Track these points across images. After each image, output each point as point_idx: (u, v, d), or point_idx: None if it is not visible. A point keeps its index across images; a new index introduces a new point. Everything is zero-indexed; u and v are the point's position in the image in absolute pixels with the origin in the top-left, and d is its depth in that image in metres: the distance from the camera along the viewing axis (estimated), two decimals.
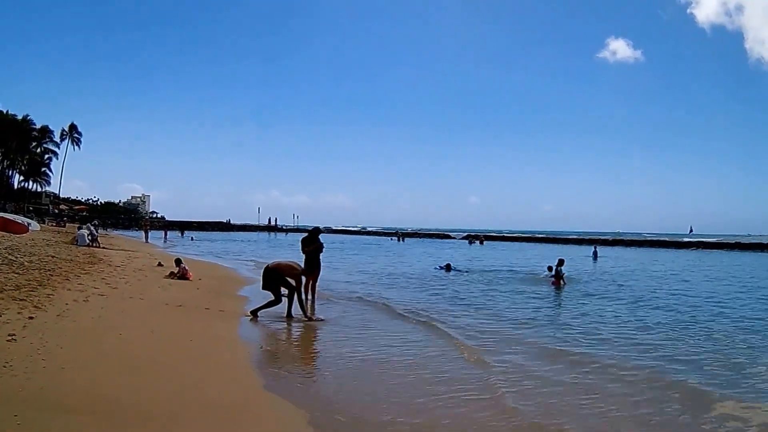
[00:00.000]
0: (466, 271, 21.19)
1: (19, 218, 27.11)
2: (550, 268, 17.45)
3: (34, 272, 10.71)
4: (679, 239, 63.98)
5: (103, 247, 21.58)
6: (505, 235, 77.12)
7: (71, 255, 15.46)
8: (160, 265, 15.61)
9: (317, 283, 11.68)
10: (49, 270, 11.29)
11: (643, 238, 66.07)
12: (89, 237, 21.32)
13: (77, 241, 20.94)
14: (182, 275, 13.15)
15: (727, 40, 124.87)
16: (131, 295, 9.73)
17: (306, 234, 11.79)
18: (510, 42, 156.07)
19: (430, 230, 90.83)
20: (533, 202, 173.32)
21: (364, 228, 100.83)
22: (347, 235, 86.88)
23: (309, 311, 9.88)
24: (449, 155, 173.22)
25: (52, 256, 14.02)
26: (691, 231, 72.72)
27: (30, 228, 25.10)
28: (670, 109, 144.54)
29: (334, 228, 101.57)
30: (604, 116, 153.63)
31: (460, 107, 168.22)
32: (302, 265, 11.06)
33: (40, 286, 9.25)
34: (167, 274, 13.40)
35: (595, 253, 33.76)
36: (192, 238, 51.10)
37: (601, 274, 21.53)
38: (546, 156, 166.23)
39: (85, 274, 11.71)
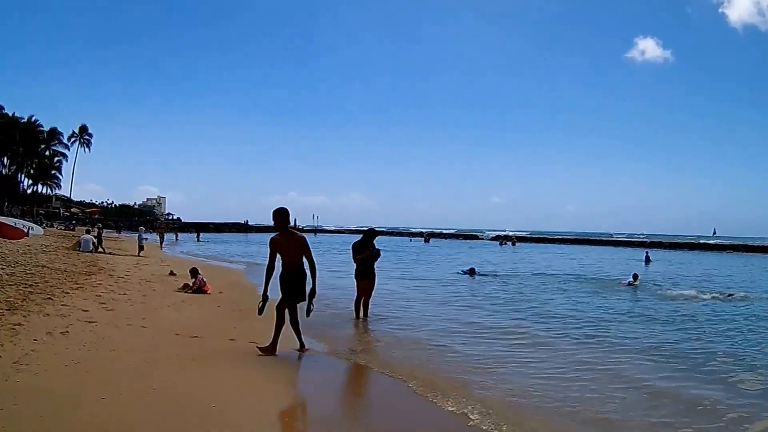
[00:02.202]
0: (495, 275, 18.96)
1: (20, 222, 24.99)
2: (635, 276, 16.61)
3: (9, 289, 8.30)
4: (719, 242, 60.68)
5: (109, 253, 19.23)
6: (538, 236, 73.76)
7: (67, 264, 13.06)
8: (172, 274, 13.17)
9: (370, 299, 9.11)
10: (30, 285, 8.88)
11: (685, 241, 62.76)
12: (93, 243, 18.98)
13: (80, 245, 18.63)
14: (198, 288, 10.68)
15: (761, 40, 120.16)
16: (131, 320, 7.22)
17: (359, 238, 9.18)
18: (535, 41, 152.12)
19: (453, 231, 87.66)
20: (555, 202, 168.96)
21: (383, 228, 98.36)
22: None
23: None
24: (472, 155, 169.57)
25: (42, 266, 11.64)
26: (714, 233, 70.53)
27: (31, 232, 22.94)
28: (697, 111, 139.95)
29: (354, 228, 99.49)
30: (628, 117, 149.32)
31: (483, 107, 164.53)
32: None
33: (9, 310, 6.83)
34: (180, 286, 10.92)
35: (647, 257, 30.99)
36: (197, 239, 47.10)
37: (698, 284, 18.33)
38: (569, 157, 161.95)
39: (77, 289, 9.25)
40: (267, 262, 6.14)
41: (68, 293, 8.63)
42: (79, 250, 18.21)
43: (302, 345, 6.39)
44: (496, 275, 19.03)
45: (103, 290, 9.40)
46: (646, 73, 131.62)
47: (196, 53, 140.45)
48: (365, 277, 8.87)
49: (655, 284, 17.33)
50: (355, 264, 8.90)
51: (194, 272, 11.09)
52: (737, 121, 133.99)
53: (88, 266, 13.13)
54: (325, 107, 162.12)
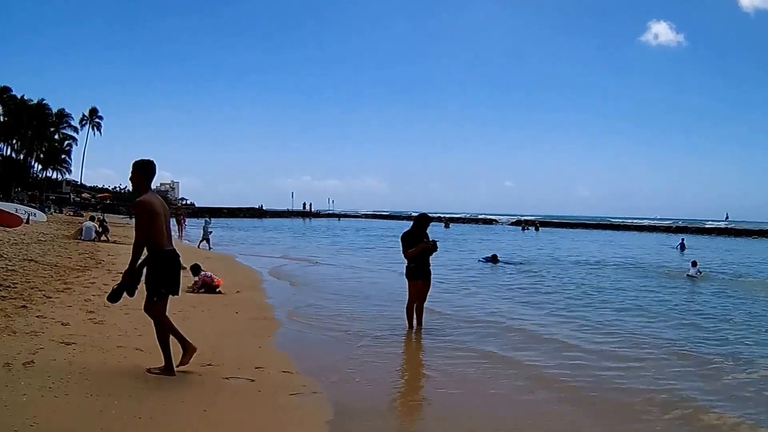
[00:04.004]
0: (520, 263, 17.62)
1: (22, 208, 23.53)
2: (694, 263, 15.22)
3: None
4: (746, 228, 58.40)
5: (114, 242, 17.62)
6: (560, 221, 71.53)
7: (61, 256, 11.42)
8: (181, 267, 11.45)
9: (425, 303, 7.31)
10: (6, 288, 7.20)
11: (712, 226, 60.35)
12: (96, 230, 17.34)
13: (81, 234, 17.04)
14: (207, 285, 8.95)
15: None
16: (123, 339, 5.49)
17: (410, 227, 7.27)
18: (548, 24, 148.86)
19: (465, 215, 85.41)
20: (568, 186, 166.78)
21: (397, 212, 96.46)
22: (383, 220, 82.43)
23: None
24: (485, 140, 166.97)
25: (30, 260, 9.99)
26: (726, 218, 69.80)
27: (32, 219, 21.46)
28: (710, 95, 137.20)
29: (368, 212, 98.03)
30: (641, 101, 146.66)
31: (495, 91, 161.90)
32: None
33: None
34: (191, 284, 9.18)
35: (682, 244, 28.86)
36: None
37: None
38: (582, 140, 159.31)
39: (63, 291, 7.55)
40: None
41: (50, 298, 6.93)
42: (80, 239, 16.64)
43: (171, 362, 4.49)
44: (532, 263, 17.34)
45: (95, 292, 7.69)
46: (660, 56, 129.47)
47: (209, 36, 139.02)
48: (420, 277, 7.04)
49: (734, 276, 15.69)
50: (406, 260, 7.07)
51: (196, 269, 9.33)
52: (750, 105, 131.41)
53: (85, 259, 11.48)
54: (337, 91, 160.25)
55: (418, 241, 6.99)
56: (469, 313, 8.56)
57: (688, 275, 14.72)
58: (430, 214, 7.33)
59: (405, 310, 7.20)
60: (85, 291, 7.66)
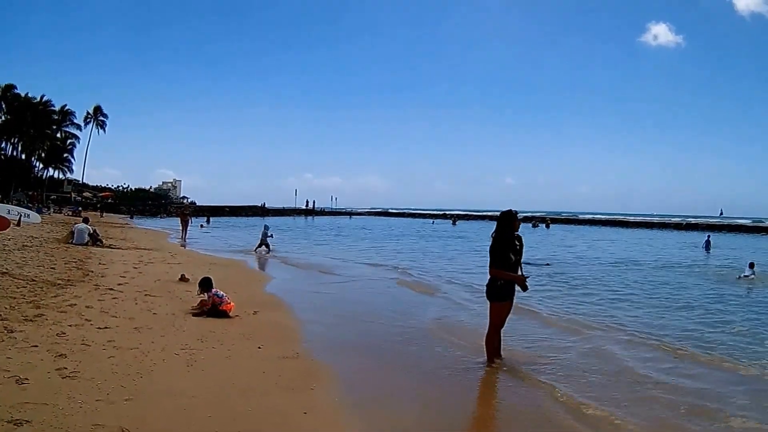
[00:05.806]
0: (546, 264, 16.28)
1: (14, 209, 21.88)
2: (751, 265, 14.27)
3: None
4: (757, 224, 57.03)
5: (108, 246, 15.91)
6: (569, 217, 70.30)
7: (43, 266, 9.69)
8: (183, 279, 9.77)
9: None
10: None
11: (723, 223, 58.81)
12: (89, 234, 15.59)
13: (73, 237, 15.33)
14: (214, 308, 7.15)
15: (766, 29, 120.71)
16: (101, 410, 3.71)
17: (495, 232, 5.48)
18: (550, 25, 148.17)
19: (463, 212, 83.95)
20: (568, 183, 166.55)
21: (402, 209, 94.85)
22: (386, 217, 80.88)
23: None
24: (486, 137, 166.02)
25: (4, 273, 8.28)
26: (721, 213, 70.20)
27: (25, 220, 19.82)
28: (705, 95, 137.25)
29: (372, 210, 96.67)
30: (640, 100, 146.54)
31: (496, 90, 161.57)
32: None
33: None
34: (197, 303, 7.43)
35: (707, 243, 27.18)
36: (202, 225, 37.69)
37: None
38: (582, 138, 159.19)
39: (35, 318, 5.79)
40: None
41: (13, 332, 5.20)
42: (71, 242, 14.97)
43: None
44: (558, 265, 15.96)
45: (72, 320, 5.95)
46: (660, 57, 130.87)
47: (213, 36, 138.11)
48: (507, 297, 5.37)
49: None
50: (490, 276, 5.37)
51: (205, 284, 7.46)
52: (744, 103, 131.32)
53: (71, 269, 9.75)
54: (339, 89, 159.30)
55: (511, 252, 5.28)
56: (532, 342, 6.81)
57: (743, 276, 13.81)
58: (514, 211, 5.47)
59: (485, 339, 5.54)
60: (61, 318, 5.92)
